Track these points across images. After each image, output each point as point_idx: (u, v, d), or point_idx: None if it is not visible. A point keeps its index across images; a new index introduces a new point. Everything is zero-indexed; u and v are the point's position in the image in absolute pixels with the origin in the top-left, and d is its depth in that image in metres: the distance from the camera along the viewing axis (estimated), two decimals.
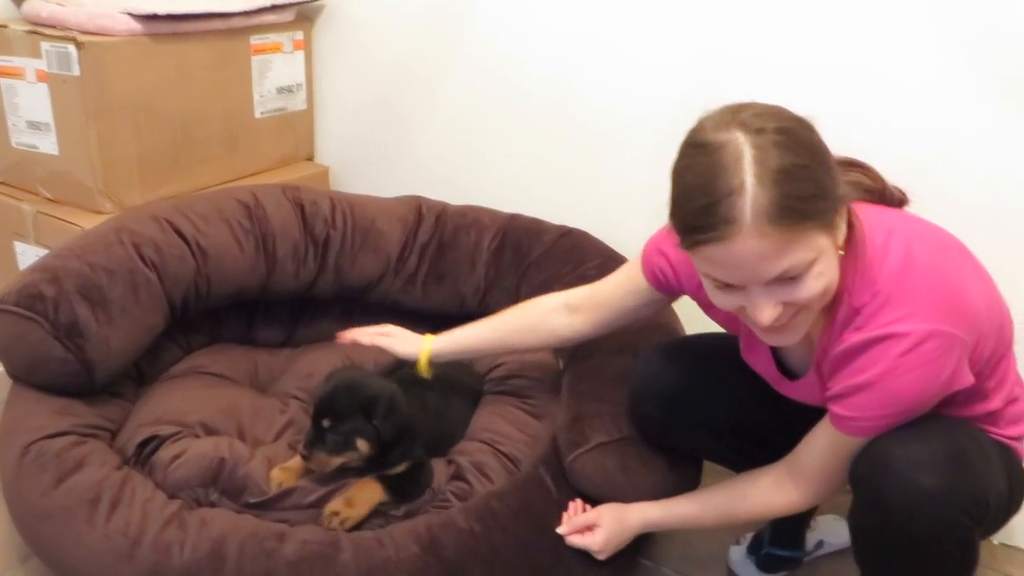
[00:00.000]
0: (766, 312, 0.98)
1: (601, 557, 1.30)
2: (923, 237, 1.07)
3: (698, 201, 0.94)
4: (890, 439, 1.05)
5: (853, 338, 1.03)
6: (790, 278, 0.96)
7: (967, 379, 1.04)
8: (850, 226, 1.03)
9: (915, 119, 1.53)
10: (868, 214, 1.07)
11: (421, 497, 1.40)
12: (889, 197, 1.13)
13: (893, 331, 1.00)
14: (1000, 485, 1.09)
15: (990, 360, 1.09)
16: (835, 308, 1.07)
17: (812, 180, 0.93)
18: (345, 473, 1.40)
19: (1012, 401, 1.17)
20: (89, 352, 1.42)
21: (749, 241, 0.92)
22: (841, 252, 1.02)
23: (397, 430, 1.38)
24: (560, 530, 1.31)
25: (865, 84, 1.56)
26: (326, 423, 1.36)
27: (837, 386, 1.07)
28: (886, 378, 1.01)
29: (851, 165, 1.12)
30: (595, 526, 1.30)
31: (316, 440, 1.36)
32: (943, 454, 1.03)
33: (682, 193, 0.97)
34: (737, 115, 0.95)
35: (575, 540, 1.30)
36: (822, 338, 1.10)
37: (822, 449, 1.14)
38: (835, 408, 1.08)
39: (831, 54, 1.57)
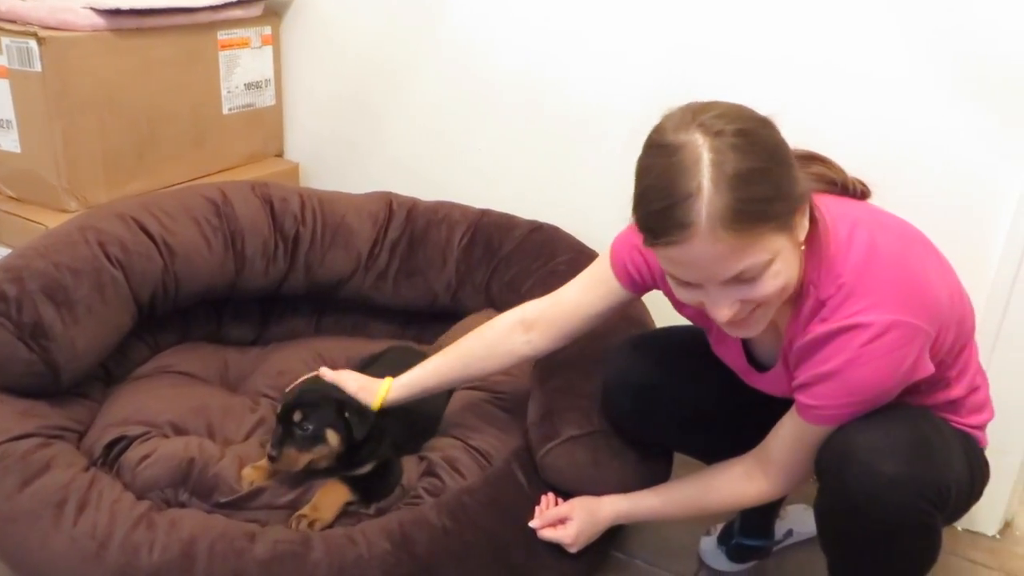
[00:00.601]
0: (723, 311, 1.01)
1: (573, 550, 1.31)
2: (887, 229, 1.09)
3: (656, 204, 0.95)
4: (853, 428, 1.07)
5: (818, 329, 1.05)
6: (747, 278, 0.98)
7: (928, 368, 1.06)
8: (813, 220, 1.04)
9: (881, 116, 1.55)
10: (832, 207, 1.09)
11: (389, 496, 1.40)
12: (852, 190, 1.15)
13: (856, 322, 1.02)
14: (961, 472, 1.12)
15: (952, 349, 1.12)
16: (801, 300, 1.08)
17: (769, 183, 0.95)
18: (315, 474, 1.39)
19: (974, 390, 1.19)
20: (54, 353, 1.40)
21: (704, 244, 0.93)
22: (803, 247, 1.04)
23: (367, 429, 1.38)
24: (532, 524, 1.31)
25: (833, 81, 1.58)
26: (297, 416, 1.34)
27: (802, 376, 1.09)
28: (849, 367, 1.03)
29: (811, 159, 1.13)
30: (567, 519, 1.31)
31: (285, 437, 1.35)
32: (905, 442, 1.05)
33: (642, 193, 0.98)
34: (698, 115, 0.96)
35: (547, 534, 1.31)
36: (789, 330, 1.12)
37: (789, 439, 1.16)
38: (801, 397, 1.10)
39: (800, 50, 1.59)
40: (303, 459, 1.36)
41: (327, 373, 1.43)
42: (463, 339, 1.42)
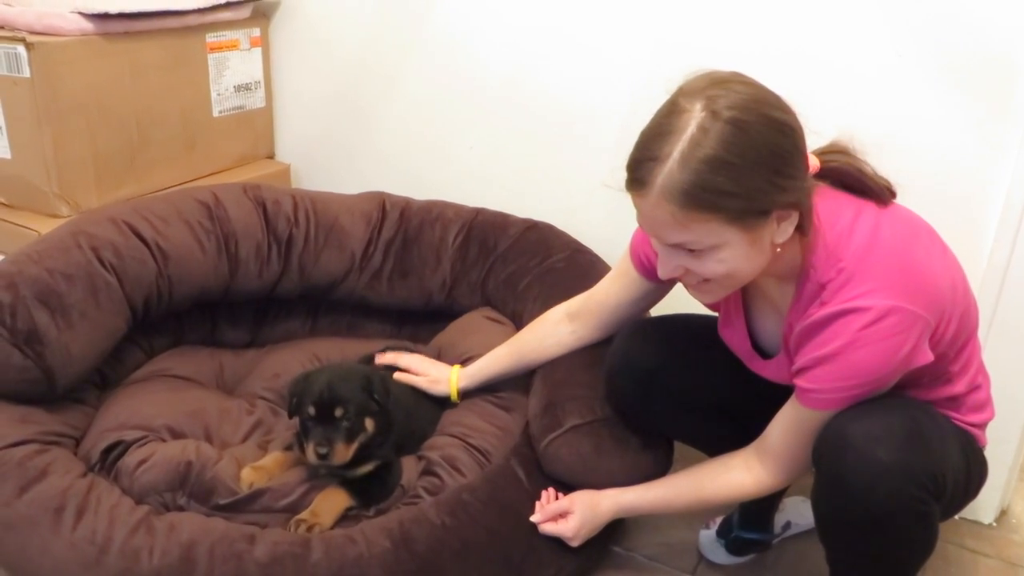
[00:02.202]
0: (664, 268, 1.09)
1: (574, 544, 1.32)
2: (892, 217, 1.10)
3: (635, 152, 1.02)
4: (849, 416, 1.08)
5: (817, 312, 1.06)
6: (691, 250, 1.03)
7: (927, 356, 1.06)
8: (807, 223, 1.05)
9: (865, 107, 1.56)
10: (840, 195, 1.10)
11: (389, 498, 1.40)
12: (872, 192, 1.11)
13: (855, 306, 1.02)
14: (958, 465, 1.12)
15: (954, 342, 1.12)
16: (802, 285, 1.09)
17: (732, 179, 0.97)
18: (315, 476, 1.39)
19: (975, 388, 1.19)
20: (49, 359, 1.39)
21: (651, 206, 1.01)
22: (777, 249, 1.05)
23: (389, 395, 1.41)
24: (533, 518, 1.32)
25: (817, 72, 1.58)
26: (339, 412, 1.35)
27: (801, 359, 1.09)
28: (847, 350, 1.04)
29: (838, 152, 1.13)
30: (568, 513, 1.32)
31: (331, 433, 1.34)
32: (900, 430, 1.06)
33: (638, 136, 1.03)
34: (712, 88, 0.99)
35: (548, 528, 1.31)
36: (790, 314, 1.13)
37: (788, 426, 1.16)
38: (799, 382, 1.11)
39: (785, 41, 1.60)
40: (351, 451, 1.36)
41: (401, 358, 1.58)
42: (520, 332, 1.55)
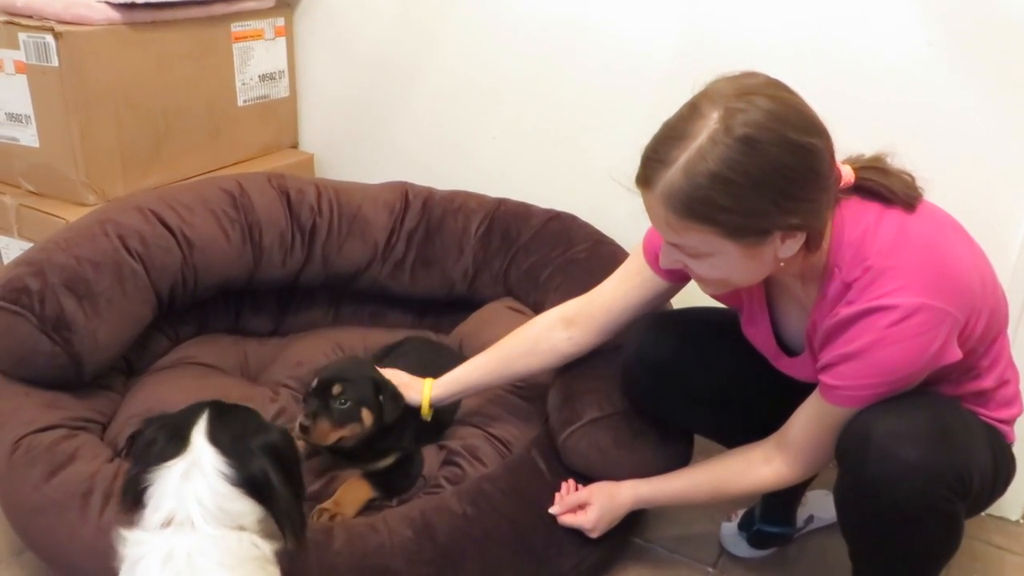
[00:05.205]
0: (663, 259, 1.11)
1: (594, 535, 1.32)
2: (919, 216, 1.07)
3: (649, 148, 1.02)
4: (874, 413, 1.06)
5: (844, 311, 1.04)
6: (688, 253, 1.05)
7: (955, 354, 1.05)
8: (815, 241, 1.03)
9: (896, 95, 1.53)
10: (866, 203, 1.07)
11: (411, 489, 1.41)
12: (901, 202, 1.08)
13: (883, 304, 1.01)
14: (985, 463, 1.10)
15: (983, 338, 1.10)
16: (826, 284, 1.08)
17: (732, 197, 0.96)
18: (338, 466, 1.40)
19: (1003, 384, 1.18)
20: (77, 345, 1.41)
21: (653, 205, 1.03)
22: (781, 263, 1.04)
23: (398, 414, 1.39)
24: (553, 510, 1.32)
25: (847, 61, 1.56)
26: (336, 389, 1.34)
27: (827, 356, 1.08)
28: (874, 348, 1.02)
29: (875, 169, 1.08)
30: (587, 505, 1.31)
31: (320, 409, 1.34)
32: (926, 428, 1.04)
33: (658, 129, 1.03)
34: (736, 98, 0.97)
35: (567, 519, 1.31)
36: (814, 312, 1.11)
37: (810, 421, 1.15)
38: (824, 378, 1.09)
39: (813, 32, 1.57)
40: (334, 435, 1.35)
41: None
42: (505, 338, 1.43)
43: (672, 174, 0.97)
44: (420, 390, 1.44)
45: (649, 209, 1.04)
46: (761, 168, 0.95)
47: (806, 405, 1.16)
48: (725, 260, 1.03)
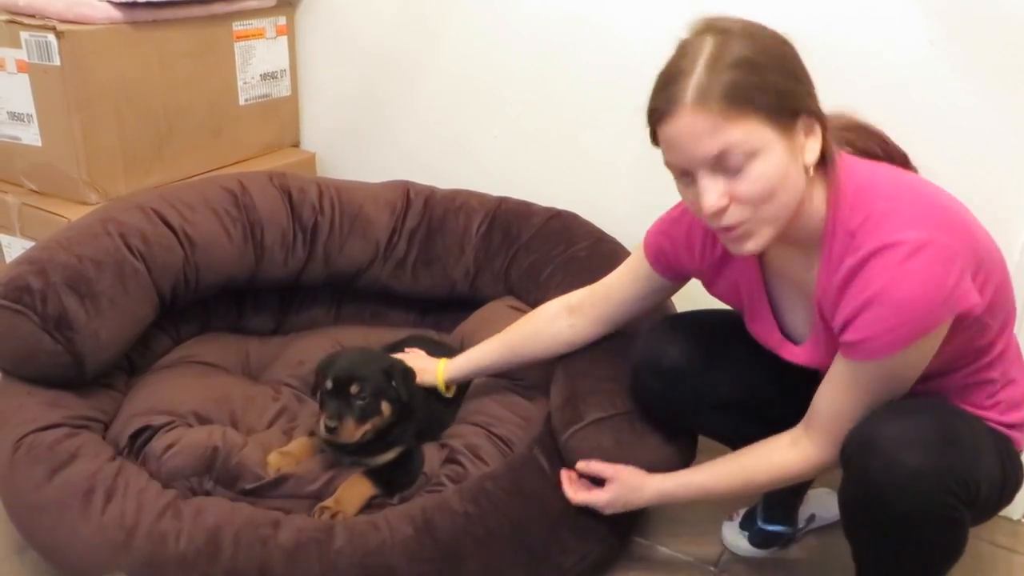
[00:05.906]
0: (711, 196, 1.01)
1: (606, 512, 1.31)
2: (915, 176, 1.08)
3: (656, 86, 1.03)
4: (880, 417, 1.06)
5: (852, 259, 1.02)
6: (732, 167, 0.99)
7: (975, 299, 1.01)
8: (830, 160, 1.05)
9: (897, 93, 1.53)
10: (858, 159, 1.09)
11: (412, 486, 1.41)
12: (894, 159, 1.12)
13: (889, 241, 0.99)
14: (993, 471, 1.09)
15: (993, 309, 1.07)
16: (830, 243, 1.06)
17: (760, 75, 0.98)
18: (339, 464, 1.40)
19: (1010, 382, 1.16)
20: (79, 344, 1.41)
21: (688, 117, 0.98)
22: (810, 172, 1.04)
23: (411, 389, 1.41)
24: (566, 490, 1.33)
25: (850, 58, 1.55)
26: (355, 388, 1.36)
27: (844, 311, 1.04)
28: (890, 288, 0.99)
29: (870, 133, 1.13)
30: (607, 482, 1.31)
31: (343, 409, 1.36)
32: (932, 434, 1.03)
33: (652, 85, 1.04)
34: (714, 23, 1.02)
35: (581, 496, 1.31)
36: (820, 277, 1.09)
37: (837, 388, 1.11)
38: (845, 336, 1.05)
39: (816, 29, 1.57)
40: (360, 431, 1.37)
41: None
42: (513, 325, 1.49)
43: (698, 78, 0.98)
44: (434, 371, 1.51)
45: (681, 133, 0.99)
46: (768, 51, 1.00)
47: (830, 374, 1.12)
48: (770, 162, 0.99)
